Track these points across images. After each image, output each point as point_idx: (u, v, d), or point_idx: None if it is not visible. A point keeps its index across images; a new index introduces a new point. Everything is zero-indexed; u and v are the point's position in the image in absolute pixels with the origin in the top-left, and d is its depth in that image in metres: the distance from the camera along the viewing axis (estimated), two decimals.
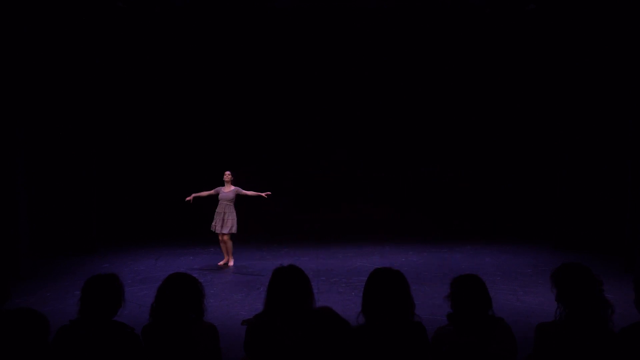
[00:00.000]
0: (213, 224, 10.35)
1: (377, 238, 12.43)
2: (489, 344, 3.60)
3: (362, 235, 12.73)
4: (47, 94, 11.01)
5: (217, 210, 10.34)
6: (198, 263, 10.63)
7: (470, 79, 13.21)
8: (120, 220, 12.85)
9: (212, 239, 12.44)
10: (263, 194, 10.50)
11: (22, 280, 9.11)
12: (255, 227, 13.16)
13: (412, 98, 13.34)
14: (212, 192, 10.44)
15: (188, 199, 10.40)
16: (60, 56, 11.04)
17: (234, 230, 10.30)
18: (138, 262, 10.67)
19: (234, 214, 10.31)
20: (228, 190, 10.37)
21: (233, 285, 9.02)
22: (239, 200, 10.52)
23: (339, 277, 9.45)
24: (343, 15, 12.56)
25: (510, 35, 12.59)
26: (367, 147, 13.50)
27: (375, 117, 13.44)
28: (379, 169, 13.54)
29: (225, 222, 10.25)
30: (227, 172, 10.45)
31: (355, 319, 3.65)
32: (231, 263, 10.42)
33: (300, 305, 3.82)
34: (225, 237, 10.34)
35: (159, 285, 3.84)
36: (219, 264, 10.45)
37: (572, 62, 11.15)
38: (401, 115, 13.41)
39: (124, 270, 9.82)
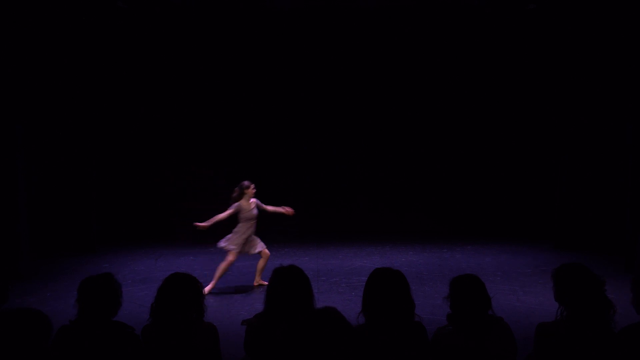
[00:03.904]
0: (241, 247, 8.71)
1: (377, 238, 12.42)
2: (488, 343, 3.60)
3: (362, 235, 12.71)
4: (47, 94, 11.01)
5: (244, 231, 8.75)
6: (198, 263, 10.62)
7: (470, 78, 13.20)
8: (119, 220, 12.83)
9: (212, 239, 12.45)
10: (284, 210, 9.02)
11: (22, 280, 9.11)
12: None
13: (412, 98, 13.32)
14: (232, 211, 8.69)
15: (202, 225, 8.54)
16: (60, 56, 11.04)
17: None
18: (138, 262, 10.66)
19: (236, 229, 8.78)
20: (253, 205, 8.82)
21: (233, 286, 9.02)
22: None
23: (339, 277, 9.45)
24: (343, 15, 12.57)
25: (510, 35, 12.58)
26: (366, 146, 13.48)
27: (375, 116, 13.42)
28: (379, 168, 13.53)
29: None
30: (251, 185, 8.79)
31: (355, 319, 3.65)
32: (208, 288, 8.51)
33: (300, 305, 3.82)
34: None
35: (159, 286, 3.84)
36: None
37: (572, 61, 11.15)
38: (401, 115, 13.39)
39: (123, 271, 9.82)
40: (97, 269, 9.44)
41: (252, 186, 8.78)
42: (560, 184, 11.53)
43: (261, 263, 9.00)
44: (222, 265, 8.67)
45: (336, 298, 8.17)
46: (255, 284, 8.94)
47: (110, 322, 3.71)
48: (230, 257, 8.64)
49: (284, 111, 13.34)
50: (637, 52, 9.67)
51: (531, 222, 12.83)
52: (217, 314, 6.90)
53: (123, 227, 12.76)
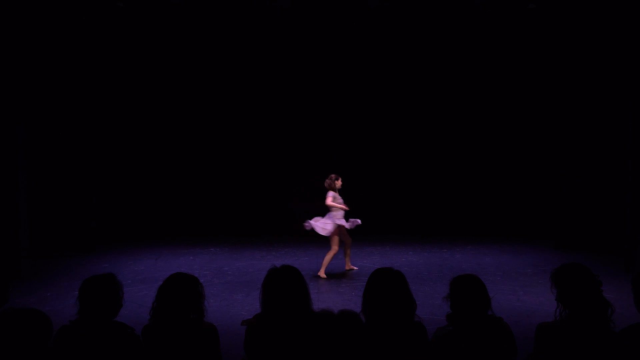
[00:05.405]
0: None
1: (377, 238, 12.42)
2: (488, 343, 3.60)
3: (362, 235, 12.68)
4: (47, 94, 11.00)
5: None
6: (198, 263, 10.61)
7: (470, 78, 13.20)
8: (119, 220, 12.83)
9: (212, 239, 12.49)
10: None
11: (22, 280, 9.10)
12: (256, 226, 13.18)
13: (412, 98, 13.33)
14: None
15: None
16: (60, 56, 11.04)
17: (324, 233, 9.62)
18: (138, 262, 10.65)
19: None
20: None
21: (233, 285, 9.01)
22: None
23: (339, 277, 9.45)
24: (343, 15, 12.57)
25: (510, 35, 12.59)
26: (366, 146, 13.48)
27: (375, 116, 13.43)
28: (379, 168, 13.52)
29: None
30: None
31: None
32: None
33: (297, 304, 3.82)
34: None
35: (159, 286, 3.84)
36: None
37: (572, 61, 11.15)
38: (401, 115, 13.40)
39: (123, 271, 9.81)
40: (97, 269, 9.45)
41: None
42: (560, 184, 11.53)
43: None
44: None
45: (336, 298, 8.17)
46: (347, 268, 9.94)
47: (110, 323, 3.71)
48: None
49: (284, 111, 13.34)
50: (637, 52, 9.67)
51: (531, 222, 12.83)
52: (217, 314, 6.90)
53: (123, 227, 12.76)
